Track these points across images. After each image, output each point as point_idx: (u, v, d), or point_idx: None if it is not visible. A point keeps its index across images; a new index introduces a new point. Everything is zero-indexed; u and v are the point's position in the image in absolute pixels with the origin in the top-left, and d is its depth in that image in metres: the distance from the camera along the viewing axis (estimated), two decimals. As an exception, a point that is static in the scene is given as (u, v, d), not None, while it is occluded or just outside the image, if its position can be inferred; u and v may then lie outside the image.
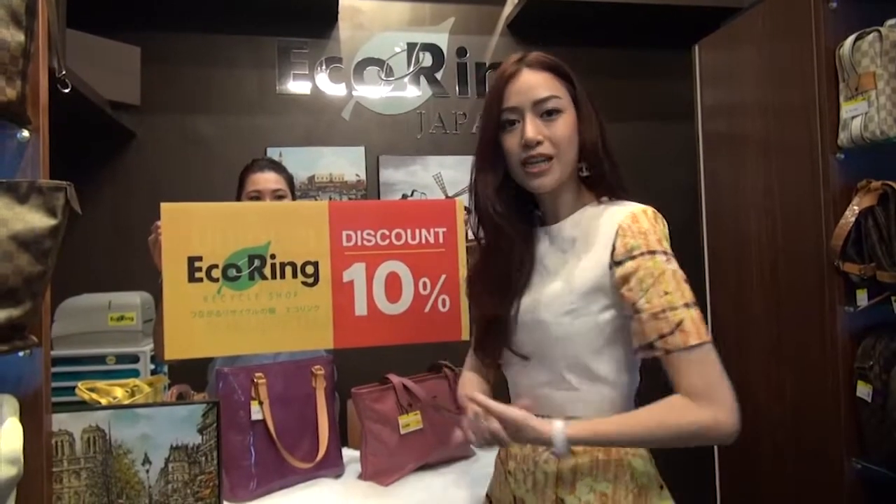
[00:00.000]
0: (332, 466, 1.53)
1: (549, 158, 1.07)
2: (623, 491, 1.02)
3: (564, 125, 1.08)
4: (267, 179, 1.82)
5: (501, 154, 1.11)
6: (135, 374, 2.10)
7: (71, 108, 2.04)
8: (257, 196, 1.80)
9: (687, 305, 0.96)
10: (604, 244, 1.03)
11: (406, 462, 1.52)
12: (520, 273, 1.12)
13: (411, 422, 1.53)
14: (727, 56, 2.23)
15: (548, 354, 1.08)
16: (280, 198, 1.82)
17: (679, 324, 0.95)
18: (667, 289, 0.96)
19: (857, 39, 1.66)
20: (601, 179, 1.11)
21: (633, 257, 0.99)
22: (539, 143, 1.06)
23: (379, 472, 1.49)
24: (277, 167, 1.90)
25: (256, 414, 1.42)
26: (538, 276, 1.12)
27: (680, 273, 0.99)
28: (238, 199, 1.85)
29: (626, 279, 0.99)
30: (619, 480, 1.02)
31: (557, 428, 0.97)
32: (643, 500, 1.02)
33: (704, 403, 0.93)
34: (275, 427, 1.43)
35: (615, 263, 1.01)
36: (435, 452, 1.57)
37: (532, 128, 1.06)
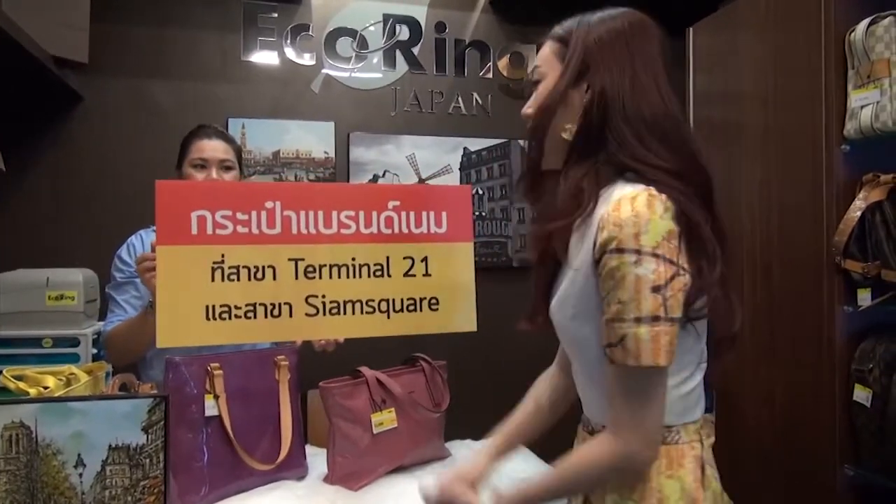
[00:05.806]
0: (294, 468, 1.38)
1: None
2: None
3: (538, 93, 0.99)
4: (214, 148, 1.69)
5: None
6: (74, 359, 1.93)
7: (9, 61, 1.84)
8: (202, 164, 1.67)
9: (638, 320, 0.83)
10: (591, 238, 0.90)
11: (378, 464, 1.38)
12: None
13: (385, 420, 1.39)
14: (723, 40, 2.13)
15: (571, 352, 1.02)
16: (228, 168, 1.70)
17: (622, 339, 0.85)
18: (622, 297, 0.84)
19: (871, 24, 1.57)
20: (592, 149, 0.93)
21: (605, 252, 0.86)
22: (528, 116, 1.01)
23: (348, 476, 1.35)
24: (225, 136, 1.77)
25: (211, 409, 1.26)
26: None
27: (649, 278, 0.83)
28: (180, 166, 1.71)
29: (601, 278, 0.88)
30: (644, 502, 0.92)
31: None
32: None
33: (622, 434, 0.88)
34: (232, 424, 1.27)
35: (594, 261, 0.88)
36: (410, 454, 1.43)
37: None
